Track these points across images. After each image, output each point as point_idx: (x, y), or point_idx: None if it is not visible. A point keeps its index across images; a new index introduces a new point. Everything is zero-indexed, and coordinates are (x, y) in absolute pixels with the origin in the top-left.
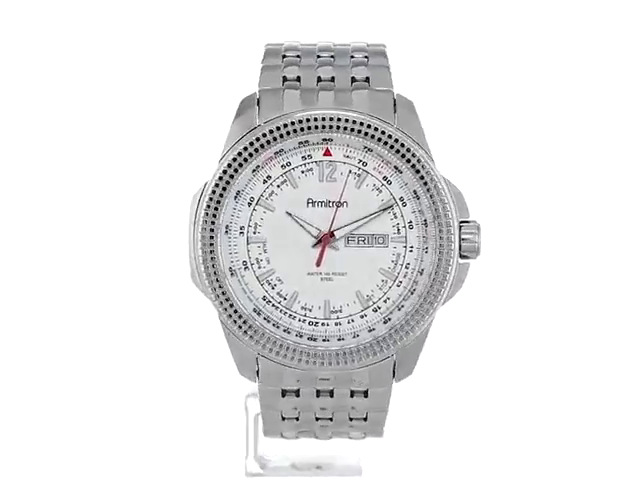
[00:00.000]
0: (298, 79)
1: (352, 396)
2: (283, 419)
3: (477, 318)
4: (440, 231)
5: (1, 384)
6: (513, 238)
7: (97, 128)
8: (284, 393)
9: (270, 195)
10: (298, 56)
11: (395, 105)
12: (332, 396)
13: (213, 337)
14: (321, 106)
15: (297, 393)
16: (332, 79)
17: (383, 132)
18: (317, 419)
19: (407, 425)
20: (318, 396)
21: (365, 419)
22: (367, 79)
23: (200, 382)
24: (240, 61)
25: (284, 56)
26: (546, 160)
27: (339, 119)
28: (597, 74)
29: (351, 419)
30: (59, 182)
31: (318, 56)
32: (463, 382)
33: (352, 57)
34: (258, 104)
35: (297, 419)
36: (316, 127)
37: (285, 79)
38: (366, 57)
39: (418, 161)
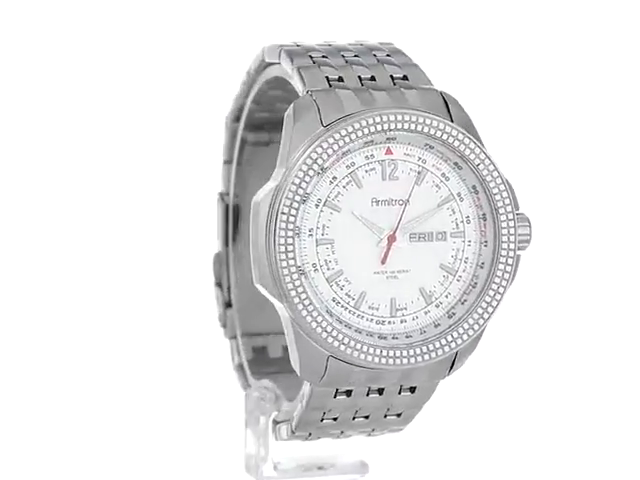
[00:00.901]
0: (340, 79)
1: (399, 392)
2: (321, 420)
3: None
4: (500, 224)
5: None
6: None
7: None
8: (336, 394)
9: (336, 196)
10: (324, 56)
11: (446, 103)
12: (381, 394)
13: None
14: (382, 106)
15: (349, 393)
16: (372, 78)
17: (447, 130)
18: (354, 418)
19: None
20: (368, 394)
21: (399, 415)
22: (405, 77)
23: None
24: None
25: (310, 57)
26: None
27: (406, 119)
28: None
29: (385, 416)
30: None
31: (342, 55)
32: (479, 378)
33: (374, 55)
34: (316, 106)
35: (335, 419)
36: (385, 127)
37: (328, 79)
38: (388, 55)
39: (480, 157)
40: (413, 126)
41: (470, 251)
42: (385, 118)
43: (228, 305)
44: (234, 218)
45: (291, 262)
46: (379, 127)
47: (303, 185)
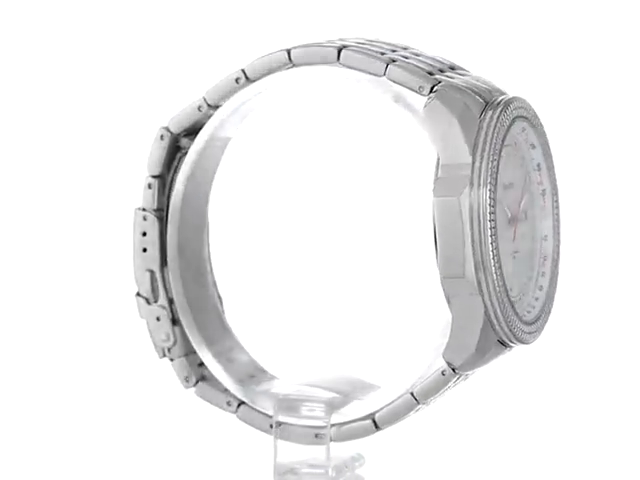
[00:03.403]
0: (431, 73)
1: None
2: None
3: None
4: (557, 198)
5: None
6: None
7: None
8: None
9: None
10: (383, 53)
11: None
12: None
13: None
14: (498, 94)
15: None
16: (440, 70)
17: (535, 113)
18: None
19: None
20: None
21: None
22: (452, 67)
23: None
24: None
25: (382, 54)
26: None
27: (521, 105)
28: None
29: None
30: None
31: (392, 51)
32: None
33: (404, 49)
34: (462, 100)
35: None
36: (515, 114)
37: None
38: (405, 48)
39: (546, 136)
40: (524, 112)
41: (533, 226)
42: (516, 104)
43: (175, 322)
44: (179, 233)
45: (495, 252)
46: (514, 113)
47: (493, 175)
